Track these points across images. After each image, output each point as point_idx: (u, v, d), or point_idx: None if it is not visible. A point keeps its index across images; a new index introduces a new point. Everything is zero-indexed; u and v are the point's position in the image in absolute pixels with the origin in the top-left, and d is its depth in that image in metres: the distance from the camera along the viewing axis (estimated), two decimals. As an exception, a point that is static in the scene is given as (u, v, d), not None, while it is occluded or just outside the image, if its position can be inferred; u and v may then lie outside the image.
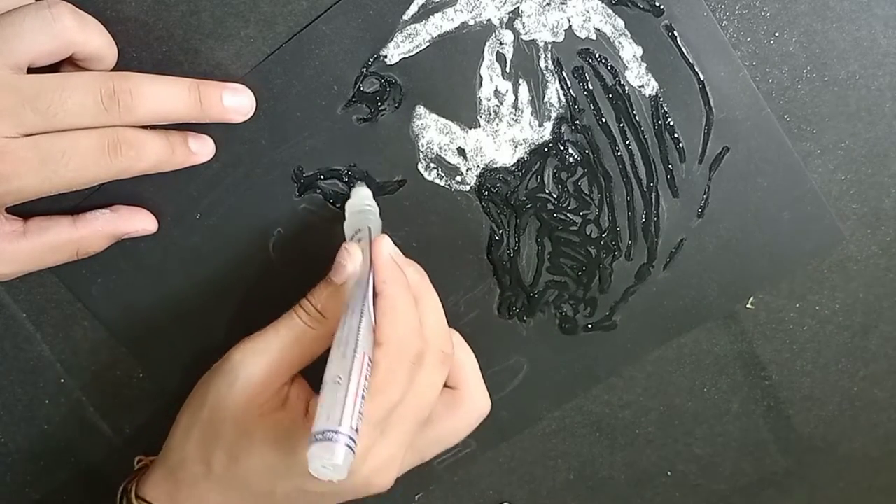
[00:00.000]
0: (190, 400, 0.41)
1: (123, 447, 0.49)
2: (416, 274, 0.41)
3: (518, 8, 0.42)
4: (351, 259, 0.39)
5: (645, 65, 0.43)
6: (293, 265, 0.45)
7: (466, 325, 0.48)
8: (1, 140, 0.34)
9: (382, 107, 0.43)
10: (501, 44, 0.42)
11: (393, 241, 0.40)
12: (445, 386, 0.42)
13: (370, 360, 0.35)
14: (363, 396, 0.34)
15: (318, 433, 0.32)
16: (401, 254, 0.41)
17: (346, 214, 0.42)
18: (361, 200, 0.43)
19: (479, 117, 0.43)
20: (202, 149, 0.41)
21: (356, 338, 0.35)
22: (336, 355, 0.35)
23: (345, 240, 0.41)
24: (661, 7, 0.42)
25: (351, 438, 0.32)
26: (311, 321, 0.39)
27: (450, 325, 0.47)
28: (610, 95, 0.43)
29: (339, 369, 0.34)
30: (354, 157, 0.44)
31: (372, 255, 0.39)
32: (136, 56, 0.41)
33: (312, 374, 0.39)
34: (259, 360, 0.39)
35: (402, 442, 0.38)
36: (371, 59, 0.42)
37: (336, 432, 0.32)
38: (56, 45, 0.36)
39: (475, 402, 0.43)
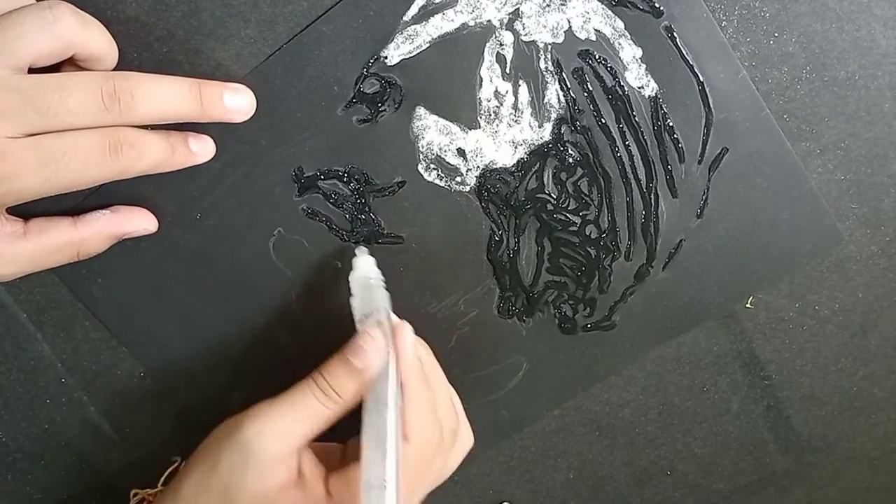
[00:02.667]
0: (197, 461, 0.40)
1: (124, 447, 0.49)
2: (427, 356, 0.42)
3: (518, 9, 0.42)
4: (375, 347, 0.39)
5: (644, 66, 0.43)
6: (293, 265, 0.45)
7: (466, 324, 0.48)
8: (2, 140, 0.34)
9: (382, 108, 0.43)
10: (501, 45, 0.42)
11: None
12: None
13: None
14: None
15: None
16: (417, 338, 0.42)
17: (353, 288, 0.42)
18: (367, 274, 0.42)
19: (478, 118, 0.43)
20: (202, 149, 0.41)
21: (394, 436, 0.37)
22: (374, 455, 0.36)
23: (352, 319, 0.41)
24: (661, 8, 0.42)
25: None
26: (327, 402, 0.39)
27: (449, 325, 0.47)
28: (609, 96, 0.44)
29: (379, 472, 0.36)
30: (354, 157, 0.44)
31: (396, 347, 0.40)
32: (136, 56, 0.41)
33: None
34: (275, 439, 0.38)
35: None
36: (371, 60, 0.42)
37: None
38: (57, 45, 0.36)
39: (463, 441, 0.45)
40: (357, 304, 0.42)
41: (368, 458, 0.36)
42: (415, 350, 0.41)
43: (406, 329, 0.41)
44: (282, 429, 0.39)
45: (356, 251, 0.44)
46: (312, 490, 0.39)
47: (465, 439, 0.45)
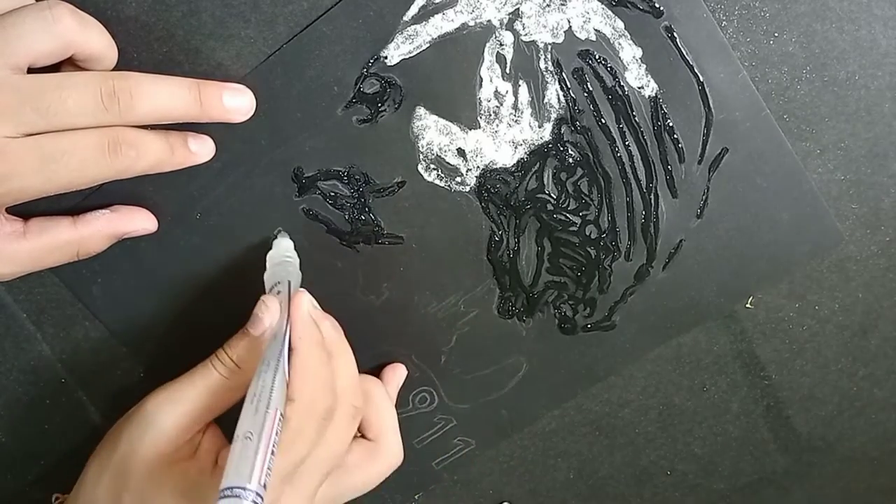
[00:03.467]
0: (102, 444, 0.41)
1: (124, 447, 0.49)
2: (331, 329, 0.42)
3: (518, 9, 0.42)
4: (269, 312, 0.40)
5: (644, 66, 0.43)
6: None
7: (466, 324, 0.48)
8: (1, 140, 0.34)
9: (382, 108, 0.43)
10: (501, 45, 0.42)
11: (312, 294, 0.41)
12: (364, 437, 0.44)
13: (282, 415, 0.36)
14: (273, 452, 0.34)
15: (226, 489, 0.32)
16: (319, 308, 0.42)
17: (267, 266, 0.43)
18: (282, 252, 0.43)
19: (478, 118, 0.43)
20: (202, 149, 0.41)
21: (269, 394, 0.36)
22: (248, 410, 0.36)
23: (264, 290, 0.42)
24: (661, 8, 0.42)
25: (258, 495, 0.33)
26: (226, 372, 0.40)
27: (449, 325, 0.47)
28: (609, 96, 0.44)
29: (251, 425, 0.35)
30: (354, 157, 0.44)
31: (290, 311, 0.40)
32: (136, 56, 0.41)
33: (227, 420, 0.40)
34: (172, 409, 0.39)
35: (309, 494, 0.39)
36: (371, 60, 0.42)
37: (244, 489, 0.32)
38: (56, 45, 0.36)
39: (390, 455, 0.45)
40: (267, 277, 0.42)
41: (243, 414, 0.36)
42: (308, 315, 0.40)
43: (302, 296, 0.40)
44: (180, 400, 0.39)
45: (276, 233, 0.45)
46: (201, 461, 0.40)
47: (392, 451, 0.45)
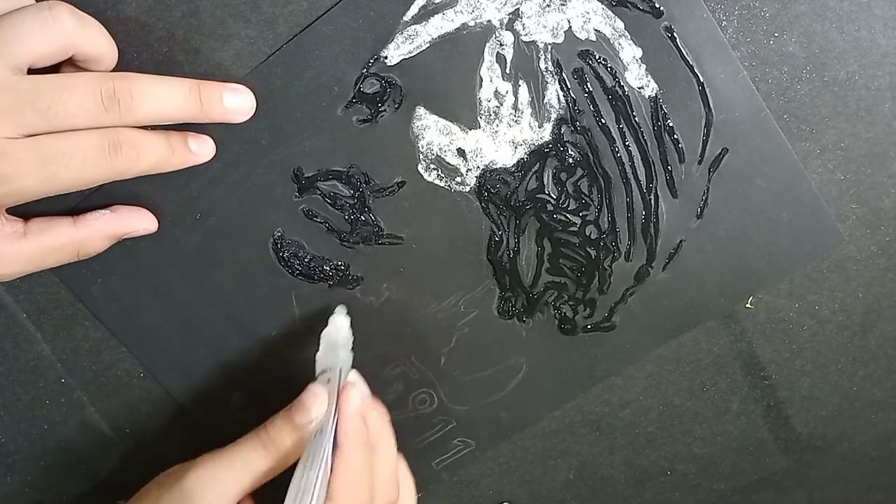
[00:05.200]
0: (139, 502, 0.41)
1: (124, 447, 0.49)
2: (377, 421, 0.42)
3: (518, 9, 0.42)
4: (316, 403, 0.40)
5: (644, 66, 0.43)
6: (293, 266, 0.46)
7: (466, 325, 0.48)
8: (1, 141, 0.34)
9: (382, 108, 0.43)
10: (501, 45, 0.42)
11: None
12: None
13: None
14: None
15: None
16: (369, 396, 0.42)
17: (320, 345, 0.43)
18: (338, 333, 0.43)
19: (478, 118, 0.43)
20: (202, 149, 0.42)
21: (312, 493, 0.37)
22: None
23: (314, 371, 0.42)
24: (661, 8, 0.42)
25: None
26: (266, 454, 0.40)
27: (449, 326, 0.47)
28: (610, 97, 0.43)
29: None
30: (354, 157, 0.44)
31: (339, 404, 0.40)
32: (136, 56, 0.41)
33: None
34: (214, 487, 0.40)
35: None
36: (371, 60, 0.42)
37: None
38: (56, 46, 0.36)
39: None
40: (319, 358, 0.43)
41: None
42: (357, 412, 0.41)
43: (353, 389, 0.41)
44: (221, 479, 0.40)
45: (336, 309, 0.45)
46: None
47: None
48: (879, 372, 0.52)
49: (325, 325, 0.44)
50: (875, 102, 0.45)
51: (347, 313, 0.45)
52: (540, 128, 0.44)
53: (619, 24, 0.42)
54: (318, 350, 0.43)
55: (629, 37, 0.42)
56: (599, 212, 0.46)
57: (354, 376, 0.42)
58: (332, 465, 0.39)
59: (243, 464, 0.40)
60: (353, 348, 0.44)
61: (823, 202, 0.47)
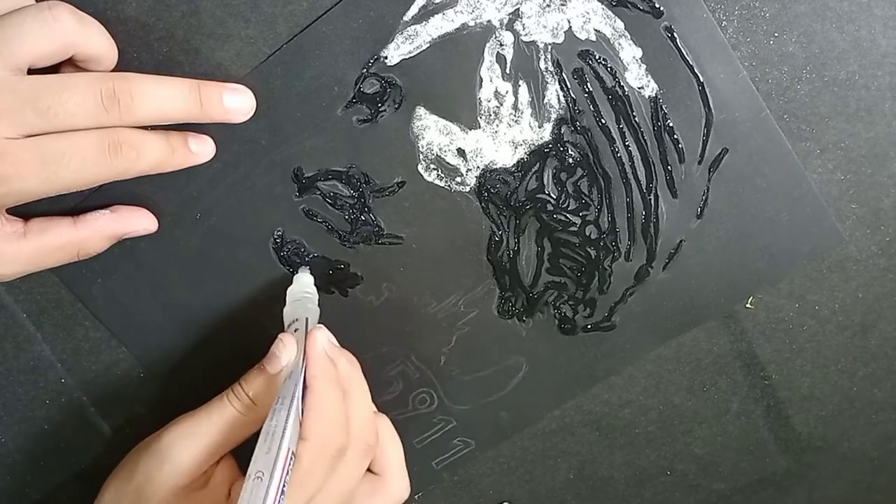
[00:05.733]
0: (118, 471, 0.42)
1: (124, 447, 0.49)
2: (347, 365, 0.42)
3: (518, 9, 0.42)
4: (286, 350, 0.41)
5: (644, 66, 0.43)
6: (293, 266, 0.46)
7: (466, 324, 0.48)
8: (1, 141, 0.34)
9: (382, 108, 0.43)
10: (501, 45, 0.42)
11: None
12: (369, 471, 0.44)
13: (294, 454, 0.37)
14: (283, 491, 0.35)
15: None
16: (336, 344, 0.43)
17: (287, 300, 0.44)
18: (302, 288, 0.44)
19: (478, 118, 0.43)
20: (202, 149, 0.42)
21: (282, 433, 0.36)
22: (261, 449, 0.36)
23: (282, 327, 0.43)
24: (661, 8, 0.42)
25: None
26: (242, 408, 0.41)
27: (449, 326, 0.47)
28: (610, 97, 0.43)
29: (263, 465, 0.35)
30: (354, 157, 0.44)
31: (306, 348, 0.40)
32: (136, 56, 0.41)
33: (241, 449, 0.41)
34: (188, 443, 0.40)
35: None
36: (371, 60, 0.42)
37: None
38: (56, 46, 0.36)
39: (396, 489, 0.45)
40: (286, 313, 0.43)
41: (257, 453, 0.36)
42: (324, 352, 0.41)
43: (319, 334, 0.41)
44: (196, 434, 0.40)
45: (299, 269, 0.45)
46: (214, 492, 0.41)
47: (399, 486, 0.45)
48: (879, 372, 0.52)
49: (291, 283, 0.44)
50: (875, 102, 0.45)
51: (311, 272, 0.45)
52: (540, 128, 0.44)
53: (619, 24, 0.42)
54: (284, 306, 0.44)
55: (629, 37, 0.42)
56: (599, 212, 0.46)
57: (321, 328, 0.42)
58: (303, 406, 0.39)
59: (218, 417, 0.41)
60: (318, 304, 0.44)
61: (823, 202, 0.47)
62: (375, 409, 0.45)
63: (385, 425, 0.45)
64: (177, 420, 0.41)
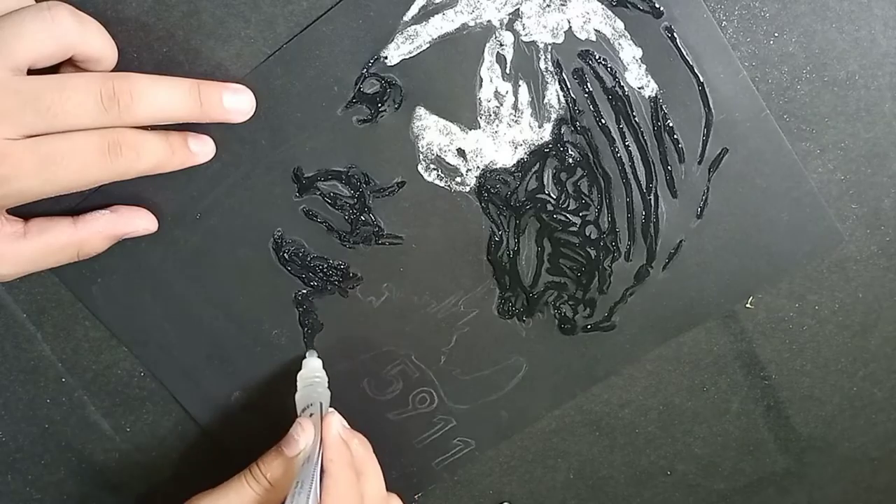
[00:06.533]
0: None
1: (124, 447, 0.49)
2: (360, 447, 0.44)
3: (518, 9, 0.42)
4: (304, 434, 0.42)
5: (644, 66, 0.43)
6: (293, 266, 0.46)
7: (466, 324, 0.48)
8: (1, 142, 0.34)
9: (382, 108, 0.43)
10: (501, 45, 0.42)
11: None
12: None
13: None
14: None
15: None
16: (348, 428, 0.44)
17: (298, 386, 0.45)
18: (312, 373, 0.45)
19: (478, 118, 0.43)
20: (202, 149, 0.42)
21: None
22: None
23: (295, 412, 0.44)
24: (661, 8, 0.42)
25: None
26: (260, 490, 0.42)
27: (449, 326, 0.47)
28: (609, 97, 0.43)
29: None
30: (354, 158, 0.44)
31: (322, 432, 0.42)
32: (136, 57, 0.41)
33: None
34: None
35: None
36: (371, 60, 0.42)
37: None
38: (56, 46, 0.36)
39: None
40: (299, 399, 0.45)
41: None
42: (339, 436, 0.43)
43: (333, 418, 0.43)
44: None
45: (307, 353, 0.47)
46: None
47: None
48: (879, 372, 0.52)
49: (300, 368, 0.46)
50: (875, 102, 0.45)
51: (318, 356, 0.47)
52: (540, 128, 0.44)
53: (619, 25, 0.42)
54: (296, 391, 0.45)
55: (629, 37, 0.42)
56: (599, 212, 0.46)
57: (335, 413, 0.44)
58: (321, 489, 0.40)
59: (237, 498, 0.42)
60: (329, 386, 0.46)
61: (823, 202, 0.47)
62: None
63: (393, 497, 0.47)
64: (195, 498, 0.42)
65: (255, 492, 0.42)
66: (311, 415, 0.43)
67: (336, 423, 0.43)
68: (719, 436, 0.53)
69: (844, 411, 0.53)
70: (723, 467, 0.54)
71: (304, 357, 0.46)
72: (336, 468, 0.41)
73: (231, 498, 0.42)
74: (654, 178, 0.45)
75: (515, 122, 0.44)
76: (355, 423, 0.45)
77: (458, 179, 0.45)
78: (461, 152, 0.44)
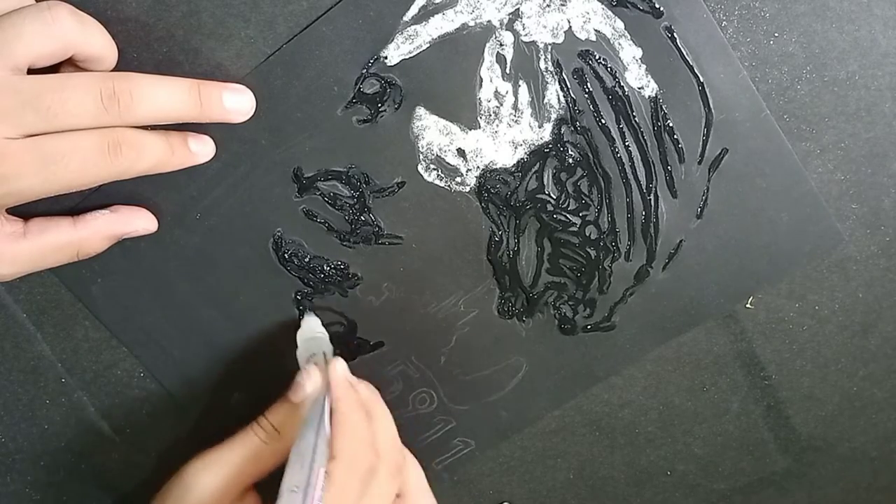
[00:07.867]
0: None
1: (124, 447, 0.49)
2: (367, 391, 0.44)
3: (518, 9, 0.42)
4: (310, 379, 0.42)
5: (644, 66, 0.43)
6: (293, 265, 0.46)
7: (466, 324, 0.48)
8: (1, 141, 0.34)
9: (382, 108, 0.43)
10: (501, 45, 0.42)
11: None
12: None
13: (326, 472, 0.38)
14: None
15: None
16: (351, 375, 0.43)
17: (298, 342, 0.45)
18: (312, 330, 0.45)
19: (478, 118, 0.43)
20: (202, 149, 0.41)
21: (313, 451, 0.38)
22: (294, 467, 0.37)
23: (297, 366, 0.44)
24: (661, 8, 0.42)
25: None
26: (266, 437, 0.42)
27: (449, 326, 0.47)
28: (609, 97, 0.43)
29: (297, 479, 0.37)
30: (354, 158, 0.44)
31: (328, 376, 0.42)
32: (136, 57, 0.41)
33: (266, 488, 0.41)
34: (212, 475, 0.41)
35: None
36: (371, 61, 0.42)
37: None
38: (56, 46, 0.36)
39: None
40: (300, 352, 0.45)
41: (288, 471, 0.37)
42: (346, 380, 0.42)
43: (339, 362, 0.43)
44: (220, 464, 0.41)
45: (305, 314, 0.46)
46: None
47: None
48: (879, 372, 0.52)
49: (299, 326, 0.45)
50: (875, 102, 0.45)
51: (316, 314, 0.46)
52: (540, 128, 0.44)
53: (619, 25, 0.42)
54: (297, 349, 0.45)
55: (629, 37, 0.42)
56: (599, 212, 0.46)
57: (340, 359, 0.44)
58: (330, 428, 0.40)
59: (242, 447, 0.41)
60: (331, 341, 0.46)
61: (823, 202, 0.47)
62: None
63: (407, 453, 0.46)
64: (203, 452, 0.42)
65: (261, 439, 0.41)
66: (315, 363, 0.43)
67: (342, 366, 0.43)
68: (719, 436, 0.53)
69: (844, 411, 0.53)
70: (723, 467, 0.54)
71: (302, 317, 0.46)
72: (344, 406, 0.41)
73: (236, 447, 0.41)
74: (654, 178, 0.45)
75: (515, 122, 0.44)
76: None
77: (458, 179, 0.45)
78: (461, 152, 0.44)
